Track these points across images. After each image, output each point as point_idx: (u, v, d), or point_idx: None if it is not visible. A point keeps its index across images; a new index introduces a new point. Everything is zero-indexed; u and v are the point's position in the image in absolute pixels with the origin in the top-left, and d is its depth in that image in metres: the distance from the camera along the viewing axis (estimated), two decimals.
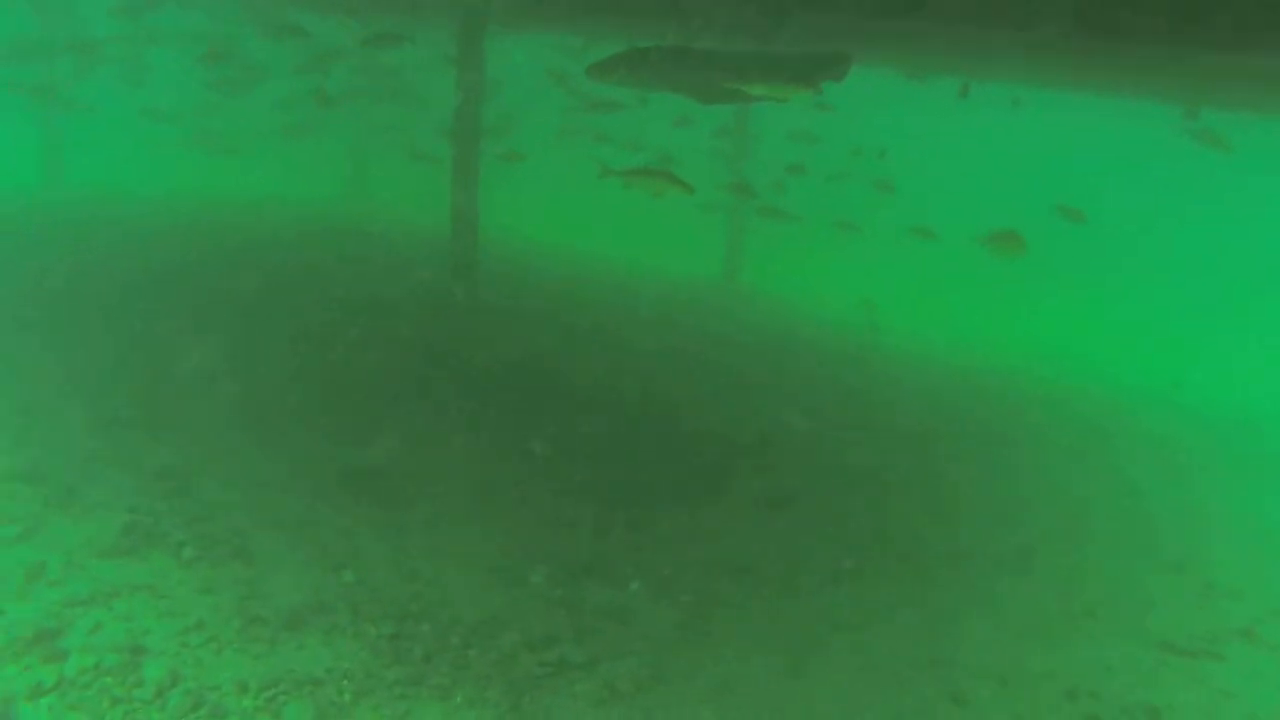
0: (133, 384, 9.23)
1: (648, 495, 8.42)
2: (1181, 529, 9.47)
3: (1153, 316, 21.34)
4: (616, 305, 15.65)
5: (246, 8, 16.42)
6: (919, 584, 7.59)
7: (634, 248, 20.12)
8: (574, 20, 14.08)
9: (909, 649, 6.59)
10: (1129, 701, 6.27)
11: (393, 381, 10.21)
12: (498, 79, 15.96)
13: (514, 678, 5.63)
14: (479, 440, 9.07)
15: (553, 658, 5.87)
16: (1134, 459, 11.48)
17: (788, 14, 9.40)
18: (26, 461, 7.36)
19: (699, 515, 8.21)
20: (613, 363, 12.16)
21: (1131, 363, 16.87)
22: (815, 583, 7.35)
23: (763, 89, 10.48)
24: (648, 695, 5.67)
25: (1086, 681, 6.43)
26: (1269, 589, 8.34)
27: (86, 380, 9.19)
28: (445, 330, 11.33)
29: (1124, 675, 6.59)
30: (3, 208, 16.96)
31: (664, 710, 5.56)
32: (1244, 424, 13.86)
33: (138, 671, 5.15)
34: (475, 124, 13.13)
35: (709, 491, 8.74)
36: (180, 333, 10.83)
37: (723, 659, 6.12)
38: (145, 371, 9.60)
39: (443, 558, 6.86)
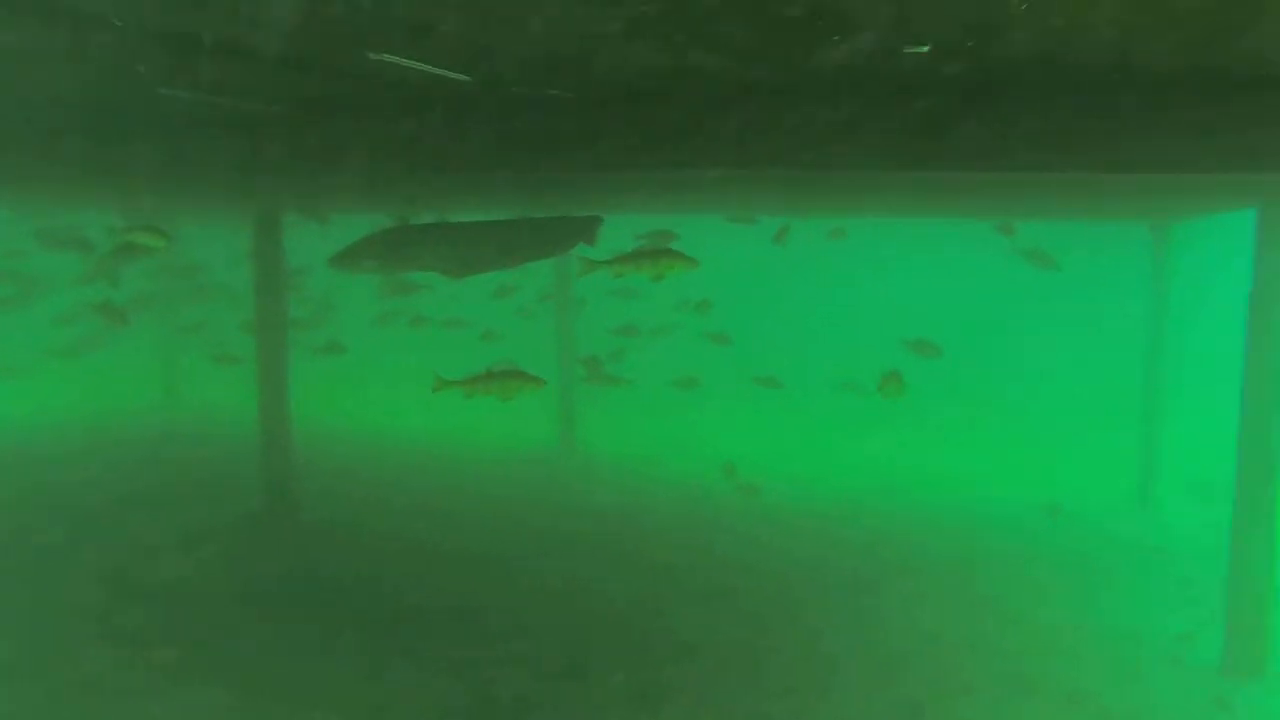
0: None
1: (506, 702, 7.45)
2: (1062, 658, 9.04)
3: (1021, 435, 21.40)
4: (453, 488, 14.73)
5: (20, 218, 15.32)
6: None
7: (465, 422, 19.31)
8: (371, 202, 13.55)
9: None
10: None
11: (214, 623, 9.00)
12: (303, 268, 15.26)
13: None
14: (311, 679, 7.95)
15: None
16: (1001, 587, 11.13)
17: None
18: None
19: None
20: (453, 554, 11.21)
21: (999, 487, 16.71)
22: None
23: (516, 257, 10.09)
24: None
25: None
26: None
27: None
28: (265, 554, 10.24)
29: None
30: None
31: None
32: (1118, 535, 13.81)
33: None
34: (281, 318, 12.34)
35: (571, 691, 7.82)
36: None
37: None
38: None
39: None
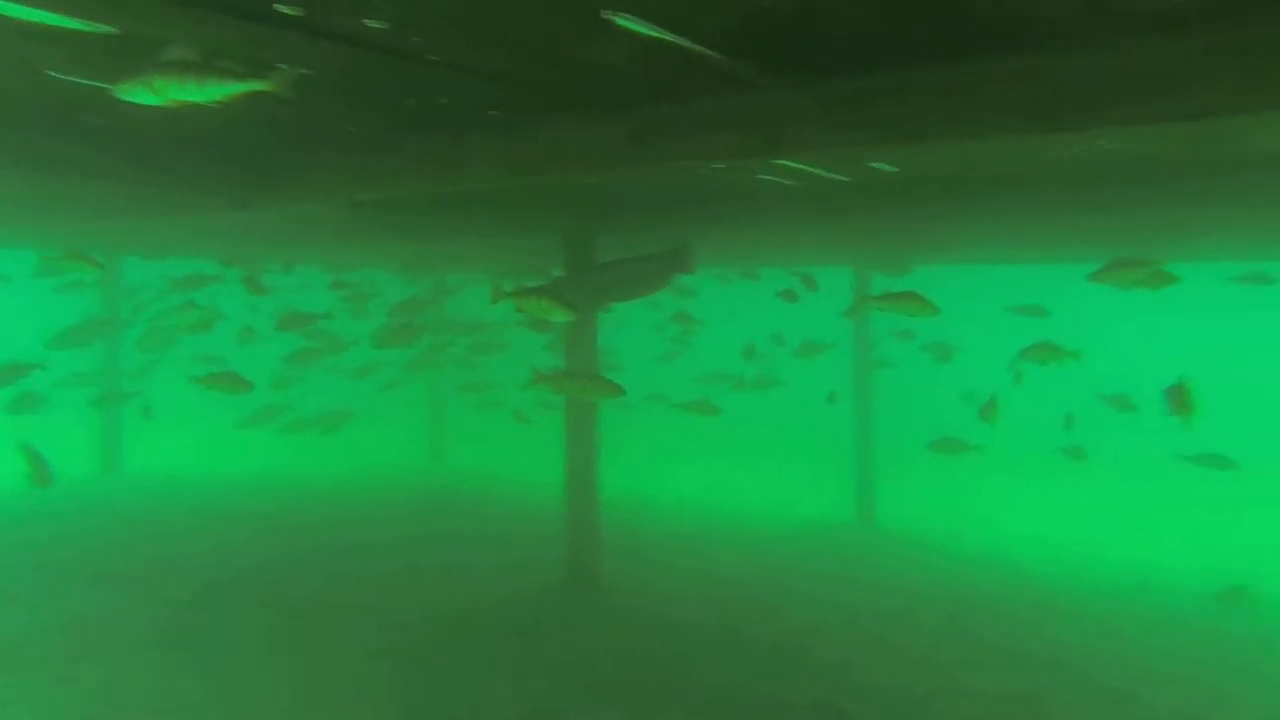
0: None
1: None
2: None
3: None
4: (758, 569, 13.32)
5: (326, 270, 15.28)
6: None
7: (751, 490, 17.95)
8: None
9: None
10: None
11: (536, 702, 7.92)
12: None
13: None
14: None
15: None
16: None
17: None
18: None
19: None
20: (770, 645, 9.76)
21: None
22: None
23: (608, 296, 10.69)
24: None
25: None
26: None
27: None
28: (574, 632, 9.10)
29: None
30: (59, 504, 15.39)
31: None
32: None
33: None
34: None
35: None
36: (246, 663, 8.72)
37: None
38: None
39: None
